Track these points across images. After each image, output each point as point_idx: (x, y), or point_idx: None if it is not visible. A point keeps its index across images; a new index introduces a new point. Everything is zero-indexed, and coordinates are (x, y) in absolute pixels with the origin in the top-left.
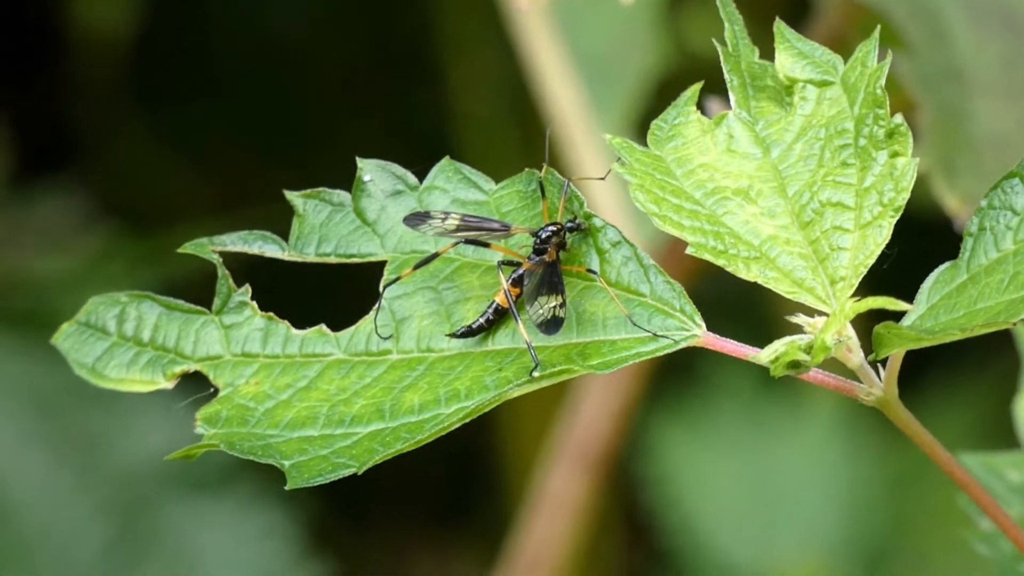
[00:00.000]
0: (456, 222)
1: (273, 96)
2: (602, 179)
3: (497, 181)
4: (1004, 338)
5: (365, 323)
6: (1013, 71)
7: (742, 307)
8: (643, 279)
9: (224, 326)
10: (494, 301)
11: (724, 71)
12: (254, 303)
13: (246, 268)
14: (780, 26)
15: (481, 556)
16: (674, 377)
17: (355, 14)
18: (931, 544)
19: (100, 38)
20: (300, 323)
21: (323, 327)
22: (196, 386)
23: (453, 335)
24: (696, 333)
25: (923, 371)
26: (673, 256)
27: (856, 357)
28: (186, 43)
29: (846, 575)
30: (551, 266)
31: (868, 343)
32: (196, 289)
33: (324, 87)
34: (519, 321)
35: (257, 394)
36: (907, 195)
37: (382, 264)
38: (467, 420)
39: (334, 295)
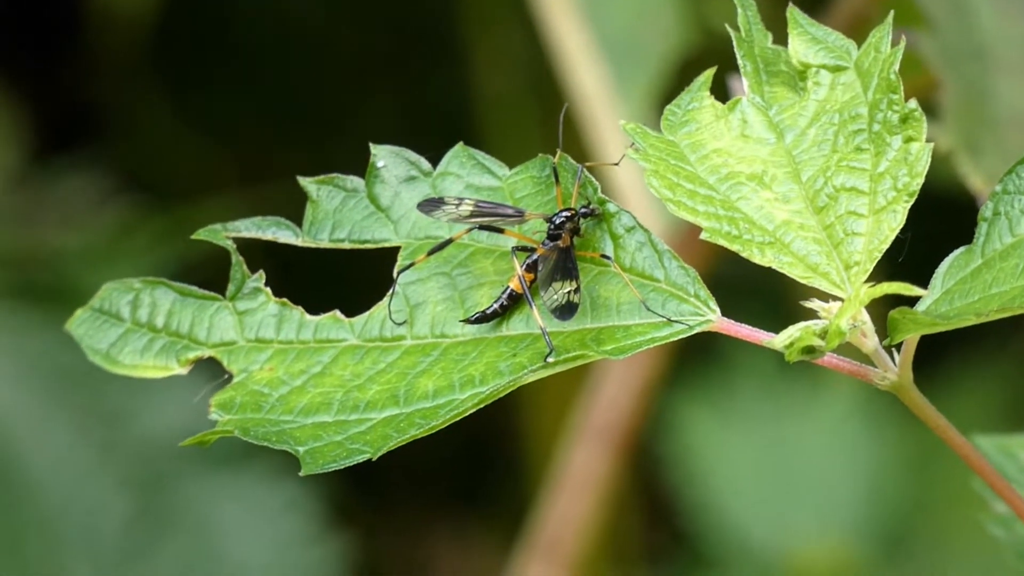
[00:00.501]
0: (470, 208)
1: (292, 75)
2: (616, 164)
3: (519, 162)
4: (1021, 323)
5: (379, 309)
6: None
7: (758, 293)
8: (657, 264)
9: (238, 312)
10: (508, 287)
11: (737, 56)
12: (268, 289)
13: (261, 254)
14: (793, 11)
15: (501, 536)
16: (694, 358)
17: None
18: (950, 524)
19: (121, 16)
20: (314, 309)
21: (337, 313)
22: (211, 371)
23: (467, 321)
24: (710, 318)
25: (941, 356)
26: (691, 242)
27: (871, 342)
28: (206, 21)
29: (865, 555)
30: (565, 252)
31: (883, 328)
32: (216, 265)
33: (343, 67)
34: (533, 306)
35: (271, 380)
36: (921, 180)
37: (396, 250)
38: (481, 406)
39: (348, 281)
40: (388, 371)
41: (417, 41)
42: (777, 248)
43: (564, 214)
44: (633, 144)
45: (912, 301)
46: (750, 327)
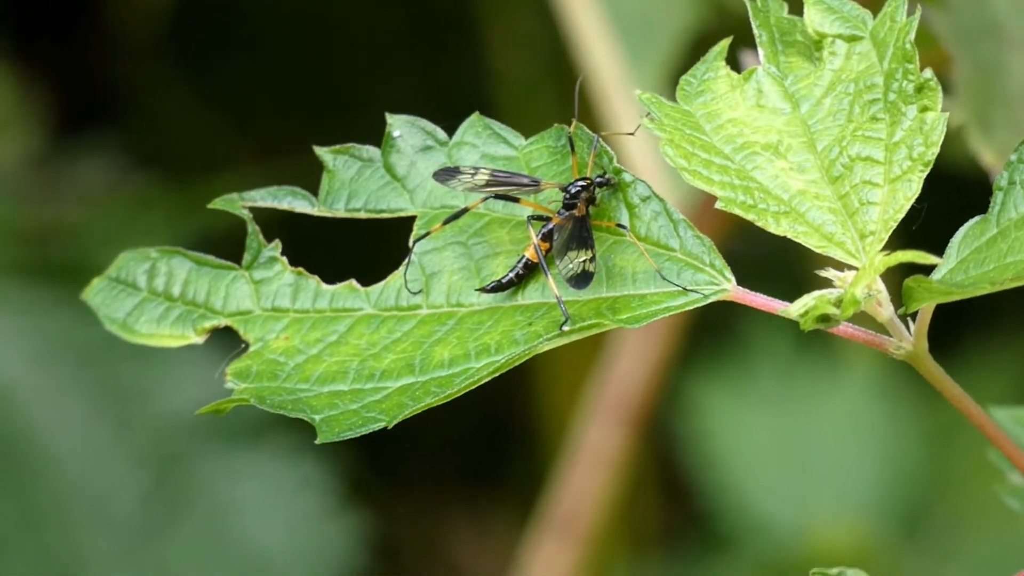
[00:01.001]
0: (486, 177)
1: (309, 56)
2: (631, 134)
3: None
4: None
5: (395, 278)
6: None
7: (776, 265)
8: (673, 234)
9: (254, 281)
10: (524, 256)
11: (753, 26)
12: (284, 258)
13: (277, 224)
14: None
15: (516, 514)
16: (711, 335)
17: None
18: (968, 502)
19: None
20: (330, 278)
21: (353, 282)
22: (227, 347)
23: (483, 290)
24: (726, 287)
25: (957, 334)
26: (705, 213)
27: (886, 311)
28: (224, 2)
29: (883, 533)
30: (581, 221)
31: (898, 298)
32: (233, 240)
33: (360, 48)
34: (549, 275)
35: (287, 349)
36: (936, 150)
37: (412, 219)
38: (497, 374)
39: (363, 251)
40: (404, 340)
41: (433, 21)
42: (792, 218)
43: (580, 183)
44: (648, 114)
45: (927, 270)
46: (765, 296)
